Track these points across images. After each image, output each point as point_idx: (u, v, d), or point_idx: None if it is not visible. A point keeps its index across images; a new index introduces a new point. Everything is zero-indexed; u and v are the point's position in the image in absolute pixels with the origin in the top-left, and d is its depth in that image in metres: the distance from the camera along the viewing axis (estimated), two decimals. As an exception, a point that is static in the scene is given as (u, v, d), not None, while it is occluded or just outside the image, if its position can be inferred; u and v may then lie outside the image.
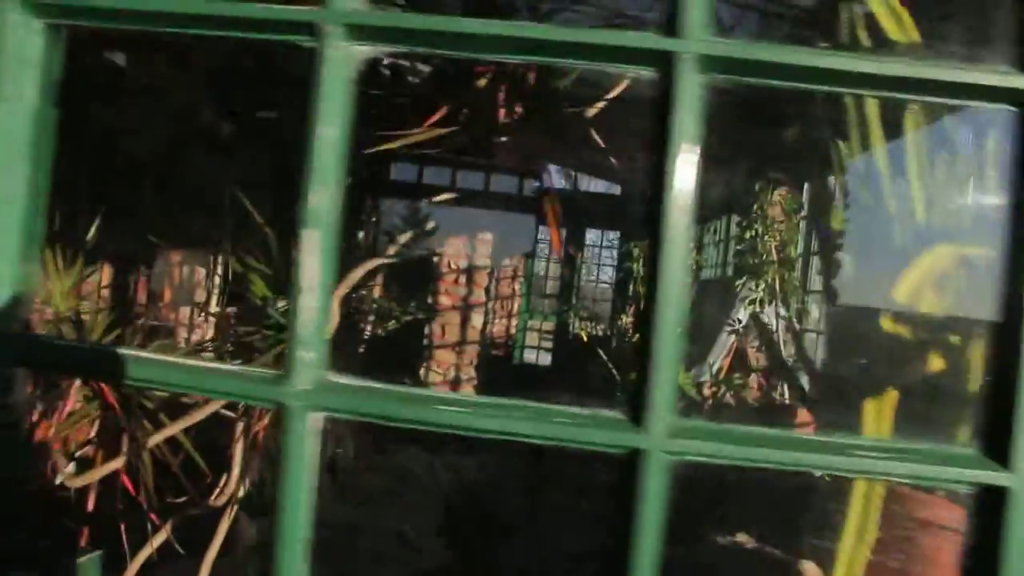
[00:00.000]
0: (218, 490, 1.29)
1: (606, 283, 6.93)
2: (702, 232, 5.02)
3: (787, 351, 2.94)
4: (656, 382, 0.46)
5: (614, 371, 3.53)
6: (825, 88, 0.51)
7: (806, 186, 3.27)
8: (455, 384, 4.68)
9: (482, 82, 1.27)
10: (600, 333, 5.19)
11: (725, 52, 0.46)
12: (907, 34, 0.72)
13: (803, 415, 2.66)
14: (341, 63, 0.47)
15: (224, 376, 0.49)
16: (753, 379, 3.12)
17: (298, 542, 0.48)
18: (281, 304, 1.42)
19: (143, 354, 0.51)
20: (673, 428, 0.47)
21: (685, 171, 0.47)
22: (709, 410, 2.93)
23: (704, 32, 0.46)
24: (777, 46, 0.46)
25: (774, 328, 2.99)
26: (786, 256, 3.04)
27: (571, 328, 6.12)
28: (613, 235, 6.48)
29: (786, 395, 2.90)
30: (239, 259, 1.37)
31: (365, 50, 0.48)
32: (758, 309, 3.03)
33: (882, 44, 0.74)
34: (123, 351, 0.51)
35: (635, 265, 5.28)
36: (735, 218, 3.78)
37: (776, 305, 2.95)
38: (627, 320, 5.08)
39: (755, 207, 3.08)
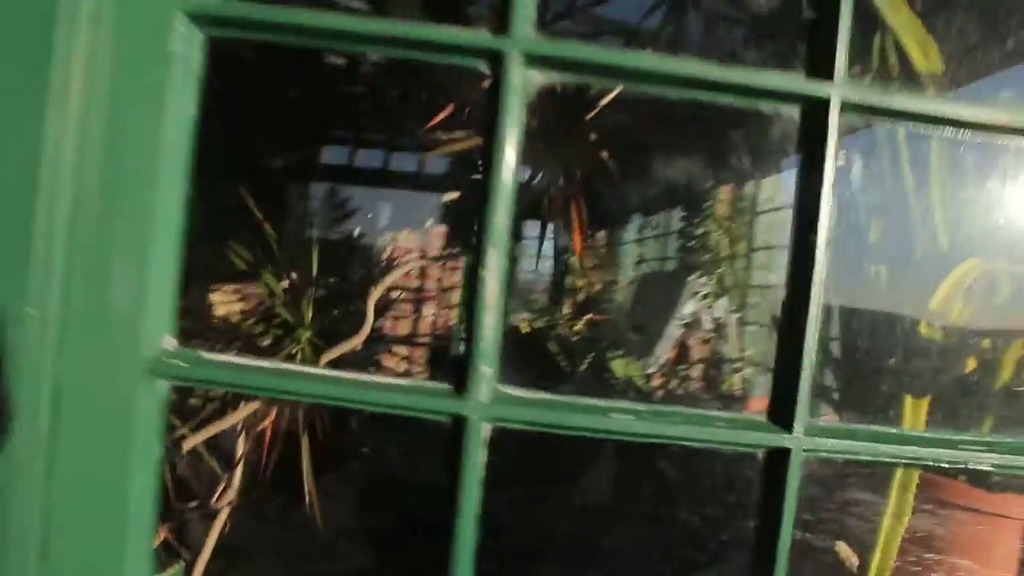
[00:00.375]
0: (220, 490, 1.27)
1: (541, 275, 7.02)
2: (643, 226, 5.19)
3: (739, 343, 3.13)
4: (801, 388, 0.52)
5: (560, 361, 3.63)
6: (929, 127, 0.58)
7: (760, 185, 3.46)
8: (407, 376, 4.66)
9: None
10: (543, 324, 5.28)
11: (867, 100, 0.52)
12: (932, 65, 0.81)
13: (755, 403, 2.84)
14: (520, 90, 0.50)
15: (397, 390, 0.51)
16: (700, 370, 3.29)
17: (470, 546, 0.51)
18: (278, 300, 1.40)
19: (311, 369, 0.53)
20: (810, 428, 0.53)
21: (827, 200, 0.52)
22: (659, 399, 3.07)
23: (846, 78, 0.52)
24: (911, 94, 0.52)
25: (725, 322, 3.17)
26: (736, 252, 3.22)
27: (510, 320, 6.20)
28: (551, 227, 6.57)
29: (736, 385, 3.10)
30: (238, 254, 1.33)
31: (541, 77, 0.51)
32: (709, 303, 3.20)
33: (910, 75, 0.83)
34: (292, 367, 0.52)
35: (574, 257, 5.42)
36: (678, 213, 3.95)
37: (728, 300, 3.12)
38: (566, 311, 5.20)
39: (707, 205, 3.24)
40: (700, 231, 3.28)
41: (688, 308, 3.34)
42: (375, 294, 1.13)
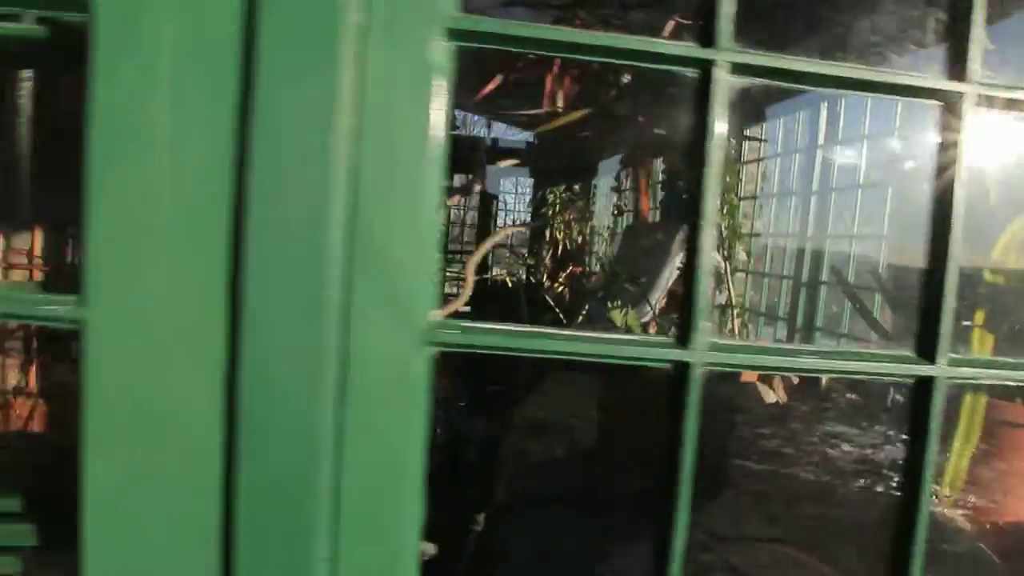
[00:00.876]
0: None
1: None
2: (624, 176, 5.32)
3: (732, 290, 3.31)
4: (943, 325, 0.65)
5: (557, 312, 3.77)
6: None
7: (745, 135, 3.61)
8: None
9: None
10: (524, 277, 5.42)
11: (998, 95, 0.63)
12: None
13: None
14: (724, 93, 0.60)
15: (630, 344, 0.62)
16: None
17: (690, 470, 0.63)
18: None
19: (556, 331, 0.63)
20: (952, 359, 0.66)
21: (960, 172, 0.64)
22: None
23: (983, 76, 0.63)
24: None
25: (722, 269, 3.34)
26: (726, 202, 3.38)
27: (491, 272, 6.33)
28: (527, 183, 6.68)
29: (735, 330, 3.30)
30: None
31: (741, 81, 0.61)
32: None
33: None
34: (539, 329, 0.62)
35: (551, 211, 5.54)
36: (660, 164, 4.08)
37: (723, 248, 3.29)
38: (547, 263, 5.33)
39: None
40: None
41: (681, 257, 3.50)
42: (474, 258, 1.21)
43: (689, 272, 0.62)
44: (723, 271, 3.29)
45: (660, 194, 4.31)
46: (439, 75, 0.59)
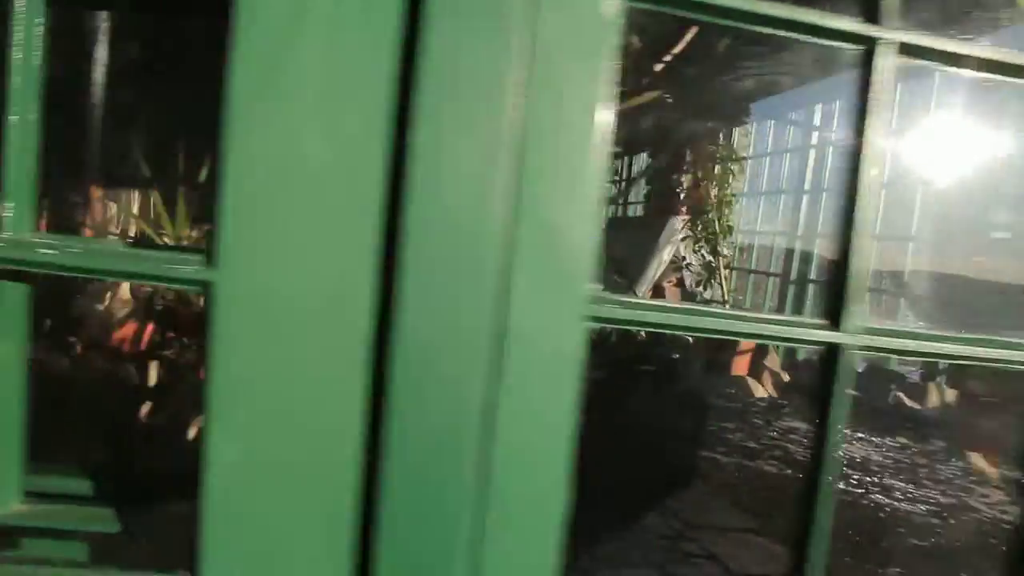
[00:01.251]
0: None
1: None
2: (620, 168, 5.29)
3: (727, 284, 3.34)
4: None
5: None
6: None
7: (734, 133, 3.64)
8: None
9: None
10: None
11: None
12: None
13: (743, 343, 3.12)
14: (891, 70, 0.59)
15: (779, 323, 0.61)
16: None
17: (835, 457, 0.62)
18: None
19: (703, 308, 0.61)
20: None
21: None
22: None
23: None
24: None
25: (715, 264, 3.36)
26: (721, 198, 3.39)
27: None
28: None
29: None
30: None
31: (904, 61, 0.60)
32: (695, 247, 3.38)
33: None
34: (688, 306, 0.61)
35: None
36: (646, 157, 4.09)
37: (716, 243, 3.31)
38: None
39: (696, 153, 3.38)
40: (685, 179, 3.43)
41: (669, 250, 3.52)
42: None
43: (843, 254, 0.60)
44: (714, 266, 3.32)
45: (645, 187, 4.32)
46: (611, 33, 0.56)
